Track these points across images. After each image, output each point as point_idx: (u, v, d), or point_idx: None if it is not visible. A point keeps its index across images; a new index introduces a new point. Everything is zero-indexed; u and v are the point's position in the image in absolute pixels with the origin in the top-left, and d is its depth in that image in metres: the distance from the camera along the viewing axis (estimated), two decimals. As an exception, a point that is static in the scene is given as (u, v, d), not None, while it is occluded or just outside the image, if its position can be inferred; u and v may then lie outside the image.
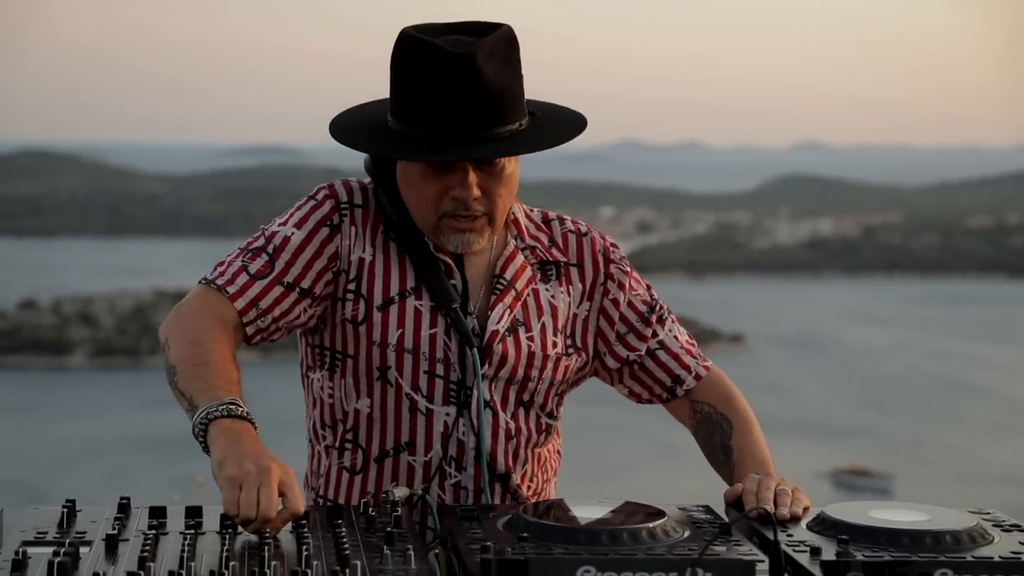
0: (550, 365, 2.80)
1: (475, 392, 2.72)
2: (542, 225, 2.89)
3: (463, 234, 2.70)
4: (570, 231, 2.90)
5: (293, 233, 2.71)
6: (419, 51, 2.60)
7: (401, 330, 2.71)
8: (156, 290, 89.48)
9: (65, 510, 2.32)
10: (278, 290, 2.67)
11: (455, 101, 2.59)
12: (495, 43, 2.61)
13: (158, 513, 2.35)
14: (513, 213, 2.84)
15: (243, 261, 2.69)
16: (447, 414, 2.73)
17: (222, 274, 2.67)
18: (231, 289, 2.64)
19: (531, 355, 2.78)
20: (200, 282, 2.68)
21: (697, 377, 2.91)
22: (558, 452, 2.95)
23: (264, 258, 2.68)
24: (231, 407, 2.41)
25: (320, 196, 2.76)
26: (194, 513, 2.36)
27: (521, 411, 2.80)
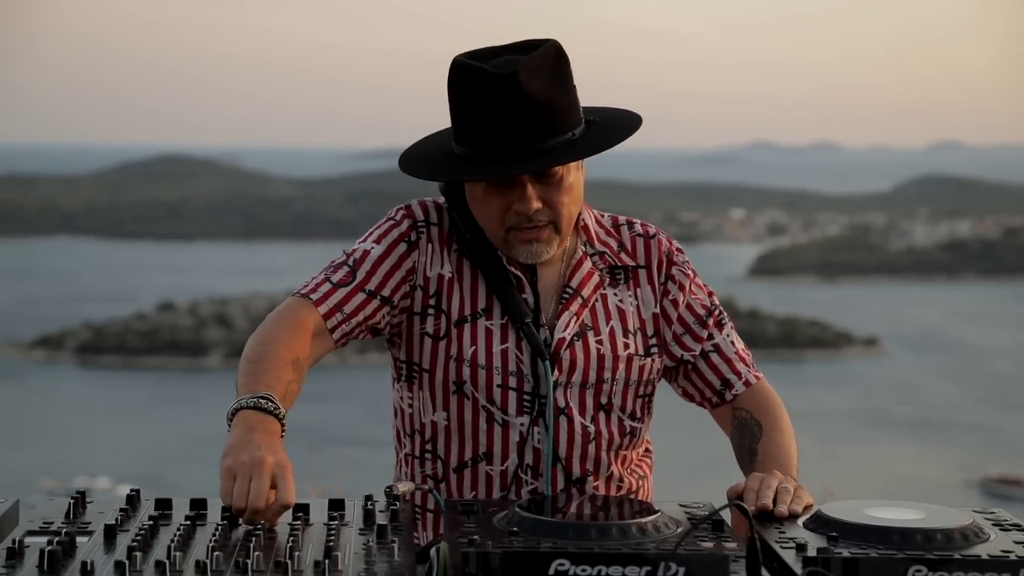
0: (622, 366, 2.86)
1: (548, 401, 2.80)
2: (612, 230, 2.97)
3: (531, 244, 2.79)
4: (638, 235, 2.98)
5: (373, 247, 2.85)
6: (467, 76, 2.70)
7: (474, 347, 2.82)
8: (289, 292, 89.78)
9: (73, 501, 2.41)
10: (360, 296, 2.80)
11: (503, 119, 2.67)
12: (539, 59, 2.68)
13: (164, 505, 2.43)
14: (583, 219, 2.92)
15: (326, 274, 2.84)
16: (522, 424, 2.82)
17: (307, 286, 2.82)
18: (314, 296, 2.78)
19: (600, 357, 2.84)
20: (295, 295, 2.83)
21: (747, 384, 2.95)
22: (646, 450, 3.02)
23: (345, 269, 2.83)
24: (260, 400, 2.50)
25: (398, 216, 2.90)
26: (199, 505, 2.43)
27: (602, 415, 2.86)
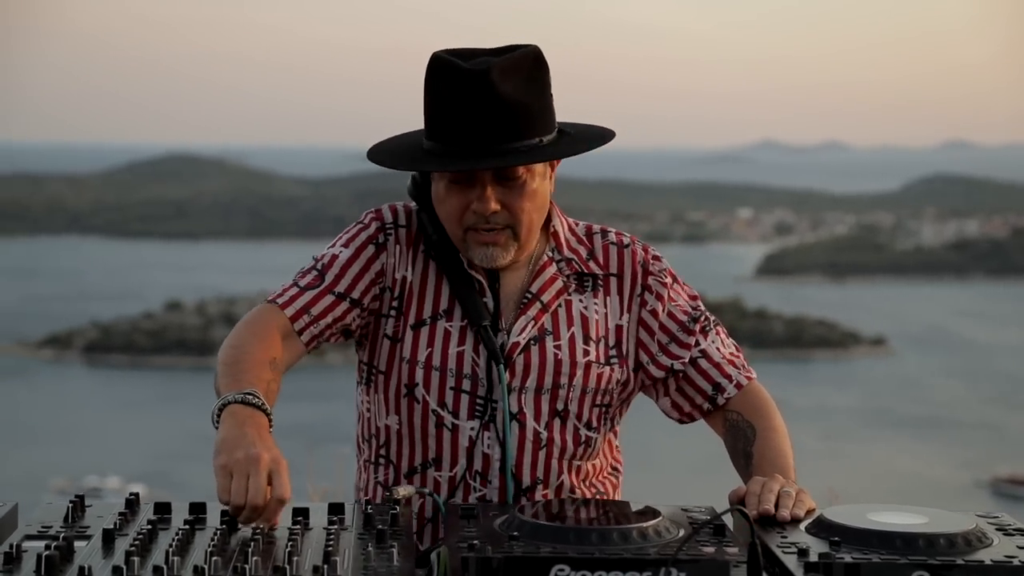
0: (579, 372, 2.82)
1: (500, 405, 2.77)
2: (583, 238, 2.94)
3: (486, 247, 2.77)
4: (612, 243, 2.94)
5: (341, 251, 2.85)
6: (441, 71, 2.70)
7: (430, 349, 2.81)
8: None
9: (72, 505, 2.40)
10: (329, 298, 2.80)
11: (470, 116, 2.66)
12: (515, 61, 2.68)
13: (163, 509, 2.42)
14: (553, 225, 2.90)
15: (294, 279, 2.85)
16: (472, 428, 2.79)
17: (276, 292, 2.83)
18: (281, 300, 2.79)
19: (558, 363, 2.81)
20: (266, 301, 2.83)
21: (738, 386, 2.91)
22: (613, 468, 2.98)
23: (314, 273, 2.84)
24: (247, 396, 2.51)
25: (367, 219, 2.90)
26: (198, 509, 2.42)
27: (556, 422, 2.83)
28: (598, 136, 2.82)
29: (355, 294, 2.81)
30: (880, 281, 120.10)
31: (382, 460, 2.87)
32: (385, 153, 2.84)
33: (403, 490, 2.54)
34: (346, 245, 2.86)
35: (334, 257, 2.84)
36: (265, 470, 2.33)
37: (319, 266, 2.84)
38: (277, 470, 2.35)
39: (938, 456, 62.96)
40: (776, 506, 2.49)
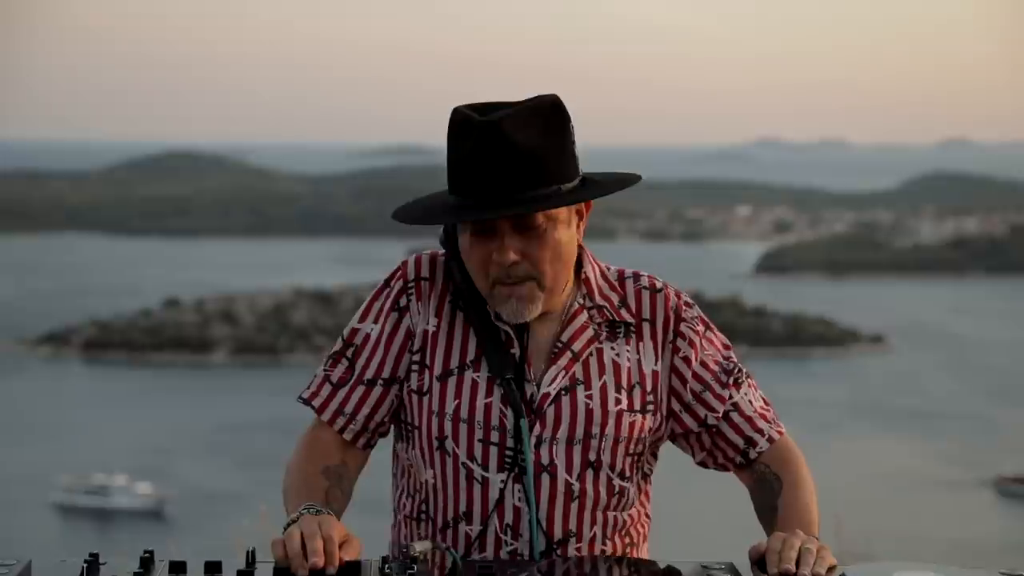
0: (611, 422, 2.76)
1: (528, 458, 2.72)
2: (616, 284, 2.87)
3: (511, 301, 2.70)
4: (644, 287, 2.87)
5: (371, 329, 2.83)
6: (457, 124, 2.67)
7: (458, 401, 2.75)
8: (295, 289, 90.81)
9: (87, 564, 2.37)
10: (360, 390, 2.80)
11: (485, 166, 2.62)
12: (529, 111, 2.64)
13: (178, 568, 2.40)
14: (585, 272, 2.83)
15: (326, 371, 2.84)
16: (501, 481, 2.74)
17: (309, 387, 2.85)
18: (316, 402, 2.82)
19: (589, 412, 2.75)
20: (298, 399, 2.86)
21: (770, 440, 2.86)
22: (647, 516, 2.92)
23: (344, 364, 2.83)
24: (304, 511, 2.60)
25: (392, 281, 2.86)
26: (213, 568, 2.40)
27: (589, 473, 2.76)
28: (620, 180, 2.77)
29: (386, 372, 2.79)
30: (879, 279, 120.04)
31: (423, 516, 2.82)
32: (406, 211, 2.81)
33: (420, 546, 2.51)
34: (375, 320, 2.82)
35: (363, 338, 2.82)
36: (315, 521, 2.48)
37: (349, 353, 2.82)
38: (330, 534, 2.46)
39: (938, 455, 62.96)
40: (797, 563, 2.46)
